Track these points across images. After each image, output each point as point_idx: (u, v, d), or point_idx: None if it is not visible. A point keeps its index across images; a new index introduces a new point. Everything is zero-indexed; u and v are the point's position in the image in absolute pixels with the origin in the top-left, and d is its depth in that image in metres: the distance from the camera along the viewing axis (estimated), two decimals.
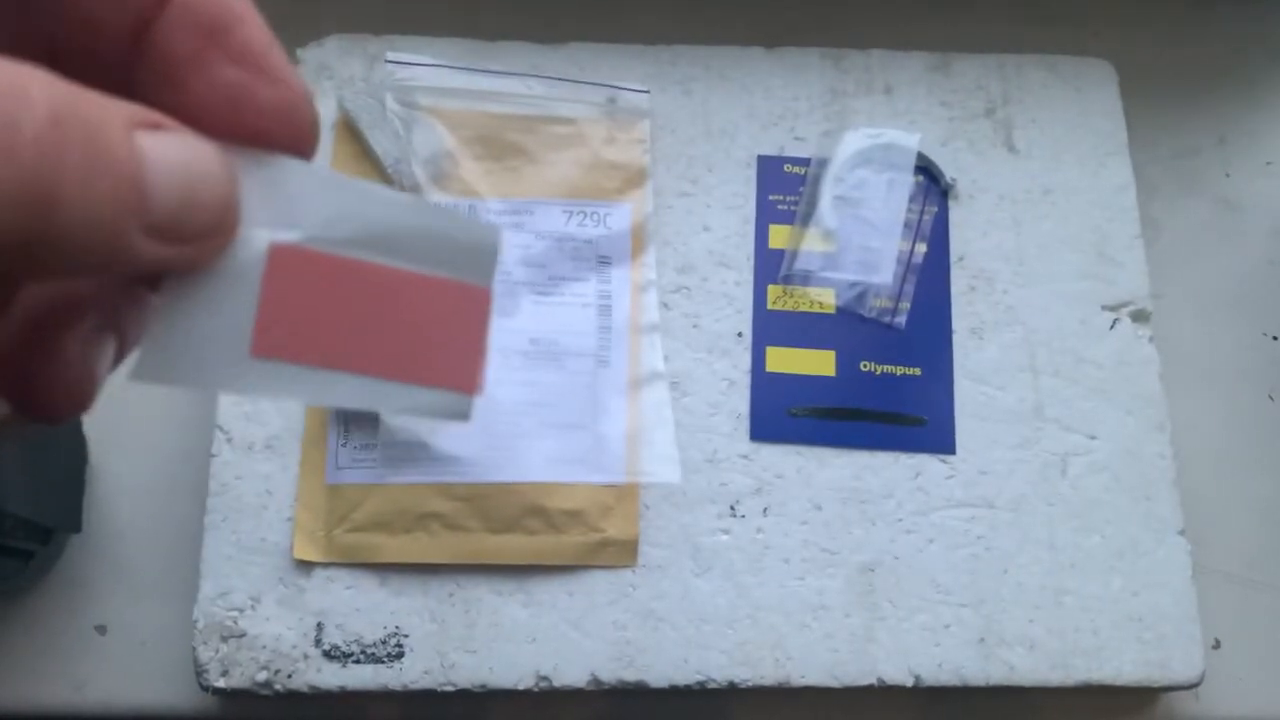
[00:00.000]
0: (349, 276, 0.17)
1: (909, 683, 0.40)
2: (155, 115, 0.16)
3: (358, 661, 0.39)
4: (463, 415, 0.19)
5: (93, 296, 0.18)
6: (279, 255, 0.17)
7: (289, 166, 0.17)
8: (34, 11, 0.17)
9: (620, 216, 0.45)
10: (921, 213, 0.46)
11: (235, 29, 0.17)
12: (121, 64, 0.17)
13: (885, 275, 0.45)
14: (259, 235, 0.17)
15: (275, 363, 0.17)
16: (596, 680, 0.39)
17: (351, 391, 0.18)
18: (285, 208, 0.17)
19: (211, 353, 0.16)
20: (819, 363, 0.44)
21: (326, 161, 0.45)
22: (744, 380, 0.43)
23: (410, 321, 0.18)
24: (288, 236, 0.17)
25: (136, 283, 0.19)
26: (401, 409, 0.18)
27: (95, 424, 0.44)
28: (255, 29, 0.17)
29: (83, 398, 0.18)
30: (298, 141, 0.17)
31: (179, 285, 0.16)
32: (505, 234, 0.44)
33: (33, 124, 0.13)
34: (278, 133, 0.17)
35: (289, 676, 0.39)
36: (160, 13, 0.17)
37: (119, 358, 0.19)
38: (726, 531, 0.42)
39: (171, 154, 0.15)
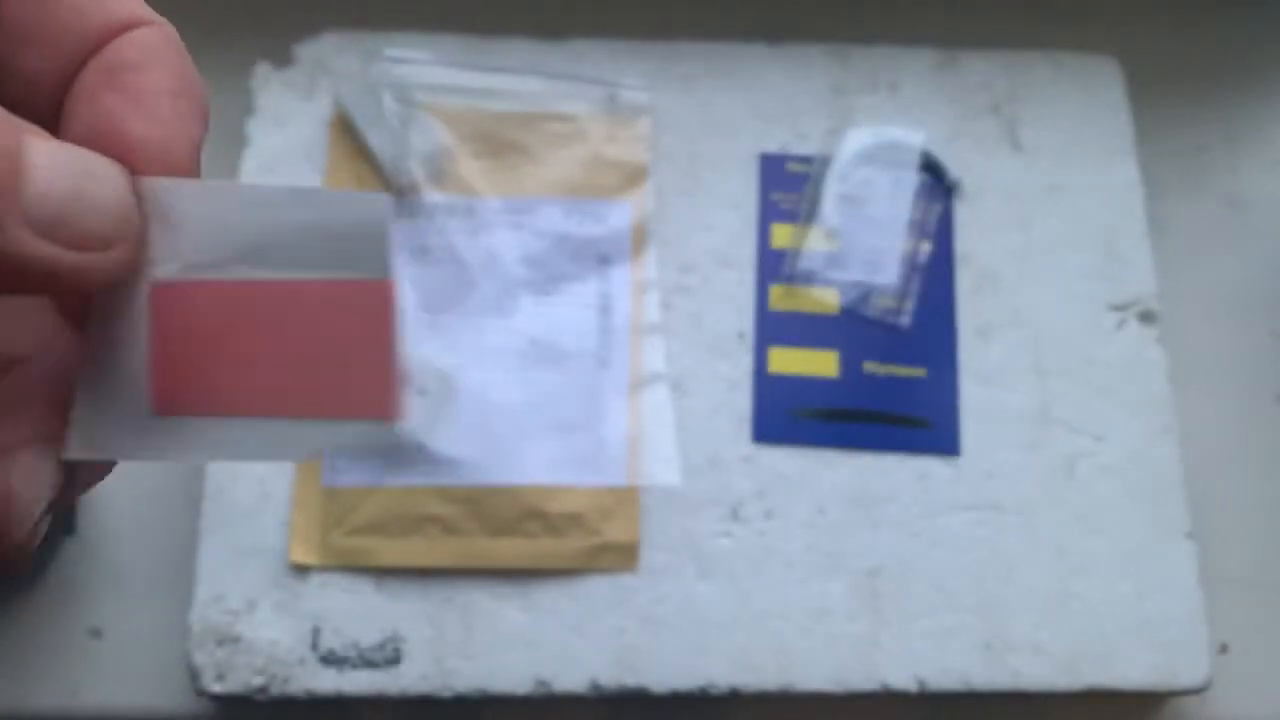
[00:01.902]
0: (237, 301, 0.15)
1: (913, 688, 0.39)
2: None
3: (354, 667, 0.39)
4: (385, 447, 0.17)
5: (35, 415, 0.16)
6: (160, 295, 0.15)
7: (162, 187, 0.15)
8: None
9: (620, 215, 0.44)
10: (926, 211, 0.46)
11: (139, 70, 0.16)
12: (51, 115, 0.17)
13: (889, 275, 0.45)
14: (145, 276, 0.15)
15: (179, 420, 0.15)
16: (597, 686, 0.39)
17: (265, 442, 0.16)
18: (167, 238, 0.15)
19: (116, 417, 0.15)
20: (822, 363, 0.43)
21: (322, 160, 0.45)
22: (746, 381, 0.43)
23: (312, 340, 0.16)
24: (164, 271, 0.15)
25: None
26: (318, 452, 0.16)
27: None
28: (159, 74, 0.16)
29: (19, 534, 0.16)
30: None
31: (93, 344, 0.15)
32: (501, 232, 0.43)
33: None
34: (145, 171, 0.16)
35: (285, 681, 0.38)
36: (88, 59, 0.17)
37: (68, 490, 0.17)
38: (728, 535, 0.41)
39: (59, 152, 0.15)
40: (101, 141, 0.16)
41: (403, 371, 0.17)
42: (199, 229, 0.15)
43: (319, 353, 0.16)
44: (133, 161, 0.16)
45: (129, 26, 0.17)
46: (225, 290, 0.15)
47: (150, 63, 0.16)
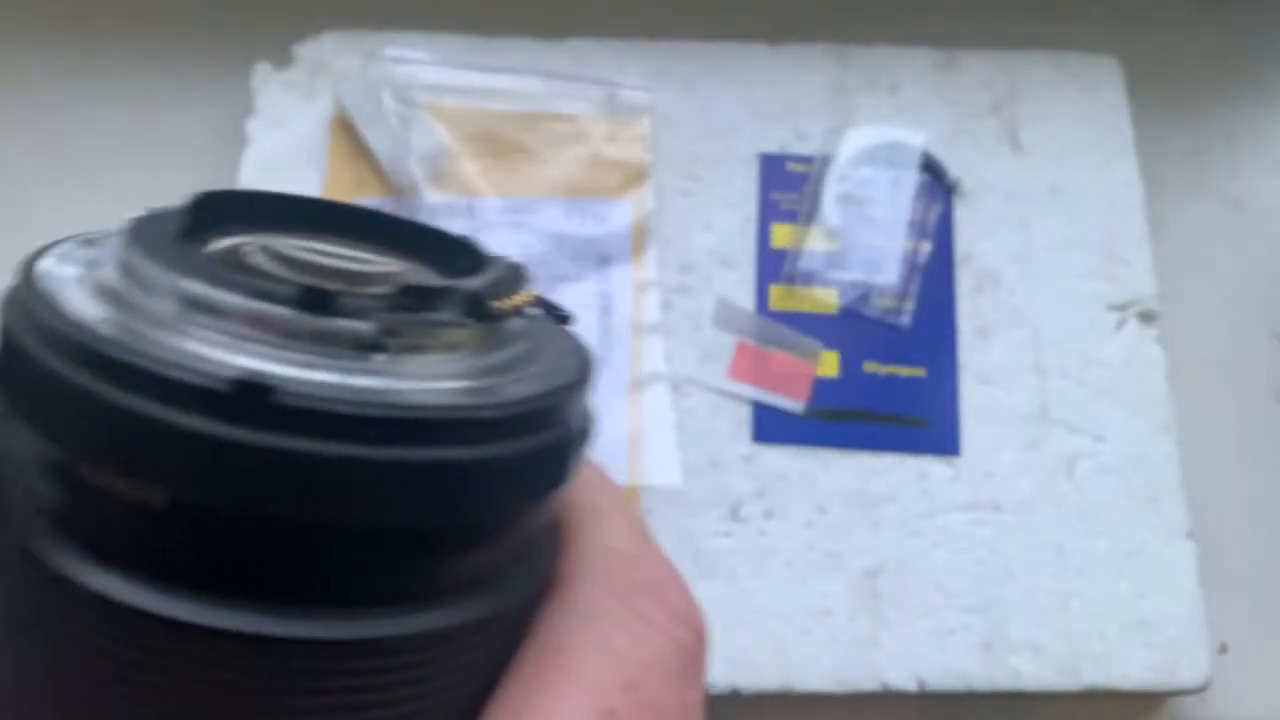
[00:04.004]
0: None
1: (913, 688, 0.39)
2: None
3: None
4: None
5: None
6: None
7: None
8: None
9: (621, 215, 0.44)
10: (926, 211, 0.46)
11: None
12: None
13: (889, 275, 0.44)
14: None
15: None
16: None
17: None
18: None
19: None
20: (822, 363, 0.43)
21: (322, 160, 0.45)
22: None
23: None
24: None
25: None
26: None
27: None
28: None
29: None
30: None
31: None
32: (501, 233, 0.43)
33: None
34: None
35: None
36: None
37: None
38: (728, 535, 0.41)
39: None
40: None
41: None
42: None
43: None
44: None
45: None
46: None
47: None
